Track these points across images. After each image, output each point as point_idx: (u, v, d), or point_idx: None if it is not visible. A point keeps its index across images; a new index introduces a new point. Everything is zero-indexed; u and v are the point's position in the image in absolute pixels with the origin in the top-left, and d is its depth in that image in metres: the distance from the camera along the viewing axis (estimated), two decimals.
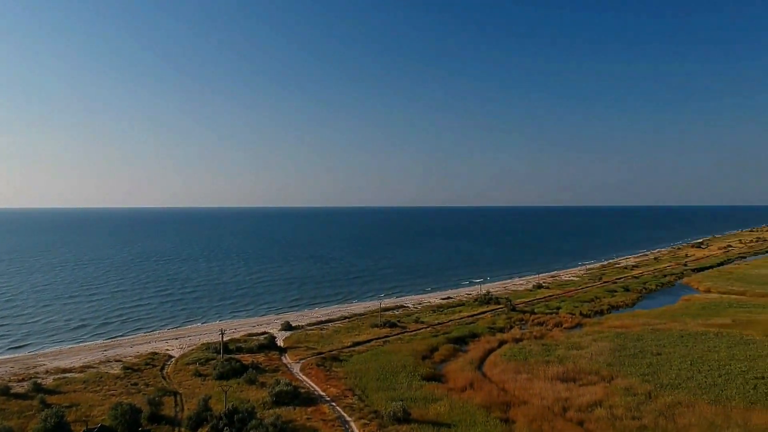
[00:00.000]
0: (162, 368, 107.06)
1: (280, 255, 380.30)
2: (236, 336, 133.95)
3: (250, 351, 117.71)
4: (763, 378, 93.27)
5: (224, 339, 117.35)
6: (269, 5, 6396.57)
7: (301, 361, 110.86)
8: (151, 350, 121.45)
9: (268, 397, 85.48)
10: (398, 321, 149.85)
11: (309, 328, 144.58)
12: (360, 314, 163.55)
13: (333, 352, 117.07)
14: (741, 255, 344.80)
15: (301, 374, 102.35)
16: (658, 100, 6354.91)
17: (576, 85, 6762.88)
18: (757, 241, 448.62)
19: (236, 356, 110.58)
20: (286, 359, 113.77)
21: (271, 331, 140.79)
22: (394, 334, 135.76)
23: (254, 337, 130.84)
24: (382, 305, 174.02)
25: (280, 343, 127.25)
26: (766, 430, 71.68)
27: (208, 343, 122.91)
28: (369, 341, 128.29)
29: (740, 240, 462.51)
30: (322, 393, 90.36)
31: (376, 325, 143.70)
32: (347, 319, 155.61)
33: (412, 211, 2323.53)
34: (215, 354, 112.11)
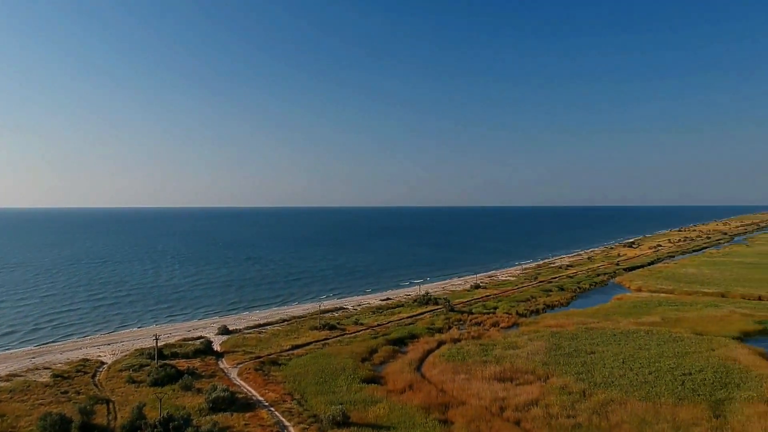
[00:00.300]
0: (94, 375, 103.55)
1: (219, 256, 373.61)
2: (171, 341, 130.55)
3: (186, 356, 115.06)
4: (690, 374, 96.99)
5: (159, 344, 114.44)
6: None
7: (239, 366, 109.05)
8: (83, 356, 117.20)
9: (205, 403, 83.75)
10: (338, 323, 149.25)
11: (247, 331, 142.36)
12: (299, 317, 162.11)
13: (271, 356, 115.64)
14: (670, 254, 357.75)
15: (238, 379, 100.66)
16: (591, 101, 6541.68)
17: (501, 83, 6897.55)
18: (684, 241, 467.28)
19: (171, 362, 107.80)
20: (223, 364, 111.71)
21: (208, 335, 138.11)
22: (334, 337, 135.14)
23: (190, 342, 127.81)
24: (322, 307, 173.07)
25: (216, 347, 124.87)
26: (692, 424, 74.46)
27: (142, 349, 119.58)
28: (308, 344, 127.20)
29: (669, 240, 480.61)
30: (261, 398, 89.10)
31: (316, 328, 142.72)
32: (286, 322, 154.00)
33: (354, 211, 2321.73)
34: (149, 360, 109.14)
